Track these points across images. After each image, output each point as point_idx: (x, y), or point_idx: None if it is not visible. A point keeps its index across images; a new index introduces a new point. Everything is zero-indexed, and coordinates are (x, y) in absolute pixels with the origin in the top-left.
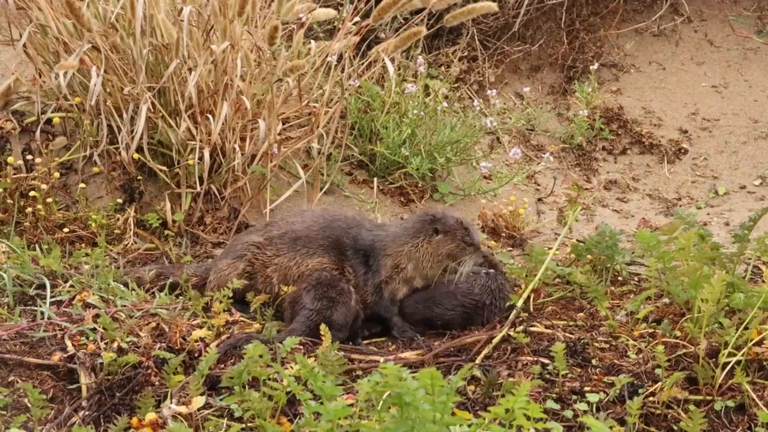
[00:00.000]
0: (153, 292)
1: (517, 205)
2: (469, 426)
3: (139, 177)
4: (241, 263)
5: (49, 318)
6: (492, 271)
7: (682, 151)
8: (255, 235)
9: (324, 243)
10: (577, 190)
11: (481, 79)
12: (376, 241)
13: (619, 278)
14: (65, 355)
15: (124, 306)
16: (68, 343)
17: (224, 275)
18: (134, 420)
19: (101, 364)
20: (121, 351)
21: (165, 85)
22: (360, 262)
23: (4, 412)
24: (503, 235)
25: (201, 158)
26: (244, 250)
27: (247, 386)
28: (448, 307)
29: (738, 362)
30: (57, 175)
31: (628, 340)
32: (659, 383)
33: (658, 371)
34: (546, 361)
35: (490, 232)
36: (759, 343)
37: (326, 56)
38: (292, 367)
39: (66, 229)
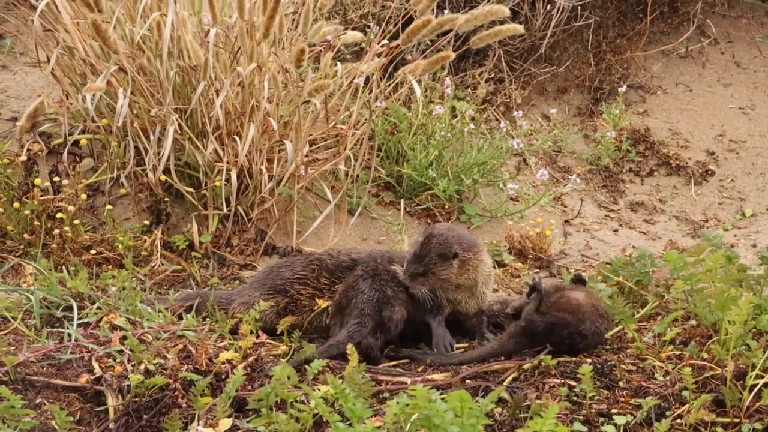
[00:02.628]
0: (180, 314)
1: (543, 226)
2: None
3: (166, 198)
4: (285, 299)
5: (76, 340)
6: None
7: (709, 172)
8: (299, 267)
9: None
10: None
11: (508, 100)
12: None
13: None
14: (92, 377)
15: (151, 328)
16: (95, 365)
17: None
18: None
19: (128, 386)
20: (148, 373)
21: (192, 107)
22: None
23: None
24: (530, 256)
25: (228, 180)
26: (286, 285)
27: (274, 408)
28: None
29: (765, 384)
30: (84, 196)
31: (655, 361)
32: (686, 405)
33: (685, 393)
34: (573, 383)
35: (516, 253)
36: None
37: (353, 78)
38: (319, 389)
39: (93, 251)
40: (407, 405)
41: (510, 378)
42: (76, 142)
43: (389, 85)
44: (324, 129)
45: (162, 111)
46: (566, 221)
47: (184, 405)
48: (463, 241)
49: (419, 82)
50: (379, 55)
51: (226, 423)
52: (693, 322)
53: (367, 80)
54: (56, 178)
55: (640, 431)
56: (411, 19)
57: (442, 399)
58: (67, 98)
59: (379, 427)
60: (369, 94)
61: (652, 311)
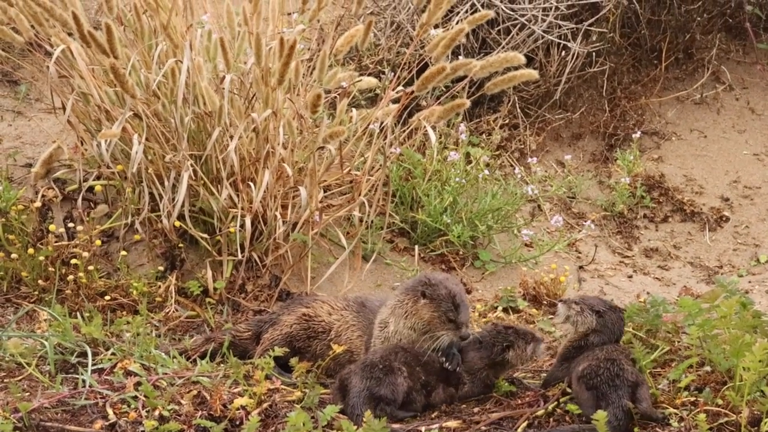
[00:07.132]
0: (194, 360)
1: (558, 272)
2: None
3: (181, 245)
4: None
5: (90, 386)
6: None
7: (724, 218)
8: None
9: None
10: None
11: (523, 146)
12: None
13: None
14: (107, 423)
15: (166, 374)
16: (110, 411)
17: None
18: None
19: None
20: (162, 419)
21: (207, 153)
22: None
23: None
24: (544, 302)
25: (242, 226)
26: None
27: None
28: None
29: None
30: (98, 242)
31: (669, 408)
32: None
33: None
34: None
35: (531, 299)
36: None
37: (368, 124)
38: None
39: (107, 297)
40: None
41: (524, 425)
42: (90, 188)
43: (404, 131)
44: (338, 175)
45: (177, 157)
46: (581, 267)
47: None
48: None
49: (434, 128)
50: (394, 101)
51: None
52: (707, 368)
53: (381, 126)
54: (71, 224)
55: None
56: (426, 65)
57: None
58: (82, 144)
59: None
60: (384, 140)
61: (667, 358)
